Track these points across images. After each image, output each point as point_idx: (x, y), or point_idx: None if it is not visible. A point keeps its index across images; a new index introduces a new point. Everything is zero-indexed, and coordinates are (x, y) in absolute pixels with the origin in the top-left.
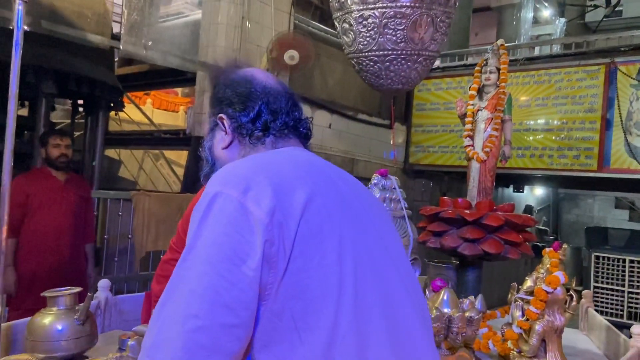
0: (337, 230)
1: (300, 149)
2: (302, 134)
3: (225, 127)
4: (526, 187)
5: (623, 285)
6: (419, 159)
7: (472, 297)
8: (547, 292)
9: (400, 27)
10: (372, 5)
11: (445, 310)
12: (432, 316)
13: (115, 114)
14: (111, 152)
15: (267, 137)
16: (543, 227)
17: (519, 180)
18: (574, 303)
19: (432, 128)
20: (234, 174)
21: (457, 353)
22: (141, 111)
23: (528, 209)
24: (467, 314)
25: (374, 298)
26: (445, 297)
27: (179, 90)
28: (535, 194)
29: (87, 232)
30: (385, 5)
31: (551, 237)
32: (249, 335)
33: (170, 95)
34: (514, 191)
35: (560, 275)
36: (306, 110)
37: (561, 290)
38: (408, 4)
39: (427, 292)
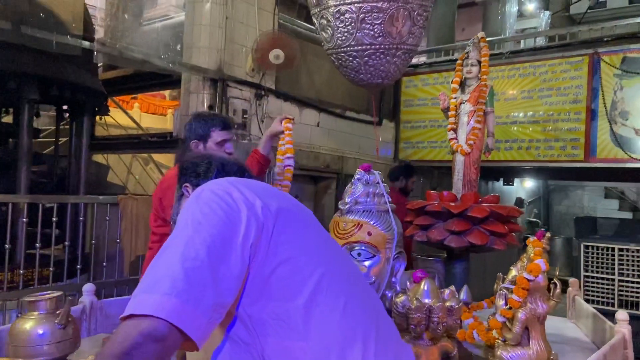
0: (302, 221)
1: None
2: None
3: (189, 193)
4: (516, 180)
5: (613, 274)
6: (408, 155)
7: (452, 287)
8: (529, 280)
9: (378, 22)
10: (349, 0)
11: (426, 300)
12: (413, 307)
13: (101, 119)
14: (99, 158)
15: None
16: (534, 219)
17: (508, 173)
18: (557, 291)
19: (420, 124)
20: (212, 183)
21: (440, 343)
22: (127, 115)
23: (518, 202)
24: (447, 304)
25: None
26: (425, 288)
27: (166, 93)
28: (525, 186)
29: None
30: (361, 0)
31: (542, 229)
32: (237, 283)
33: (157, 99)
34: (503, 184)
35: (541, 263)
36: (293, 109)
37: (542, 278)
38: None
39: (408, 284)
